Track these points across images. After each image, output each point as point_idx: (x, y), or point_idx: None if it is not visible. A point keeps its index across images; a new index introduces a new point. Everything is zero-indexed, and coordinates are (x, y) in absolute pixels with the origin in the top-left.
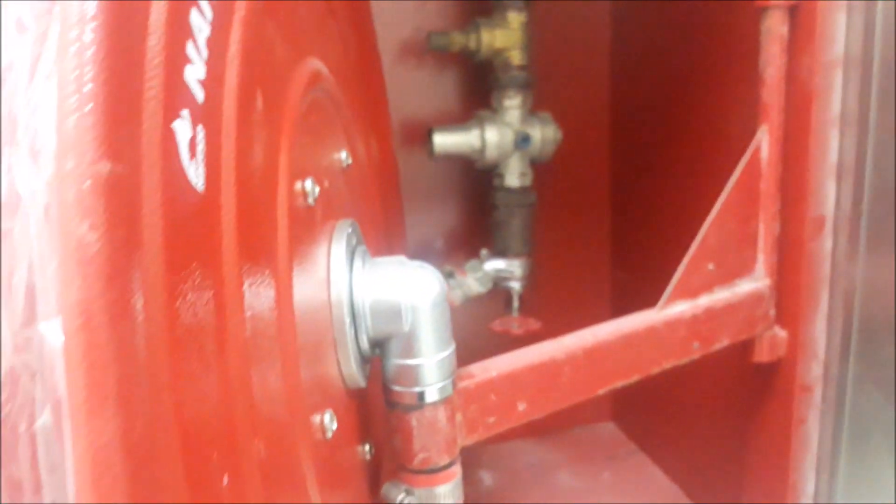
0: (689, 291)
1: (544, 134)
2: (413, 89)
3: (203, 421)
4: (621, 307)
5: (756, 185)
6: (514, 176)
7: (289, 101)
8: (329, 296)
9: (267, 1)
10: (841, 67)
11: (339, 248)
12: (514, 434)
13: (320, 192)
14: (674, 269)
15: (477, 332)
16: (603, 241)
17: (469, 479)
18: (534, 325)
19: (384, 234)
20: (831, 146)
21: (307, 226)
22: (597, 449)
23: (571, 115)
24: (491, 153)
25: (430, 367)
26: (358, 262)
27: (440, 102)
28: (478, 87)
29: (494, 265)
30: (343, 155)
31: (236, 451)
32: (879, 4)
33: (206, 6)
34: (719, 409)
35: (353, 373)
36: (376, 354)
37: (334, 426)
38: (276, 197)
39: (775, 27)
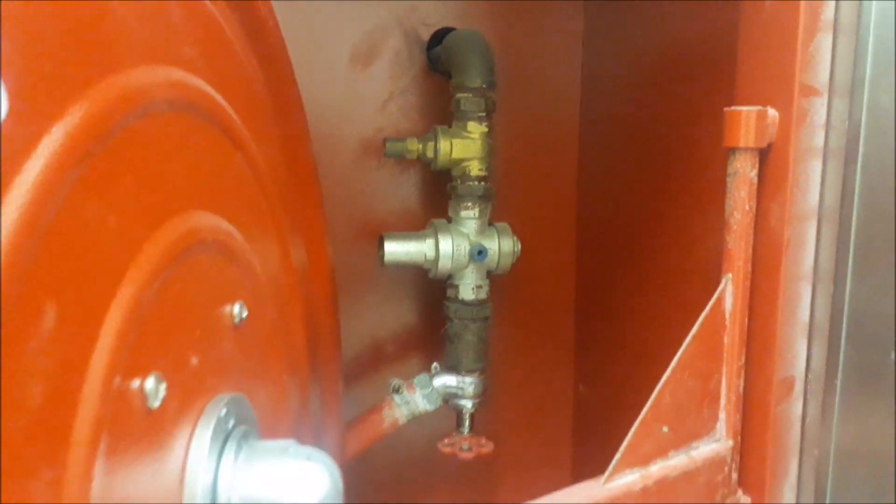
0: (639, 459)
1: (502, 246)
2: (372, 189)
3: None
4: (585, 424)
5: (719, 338)
6: (469, 288)
7: (126, 288)
8: (181, 500)
9: (97, 171)
10: (815, 219)
11: (202, 438)
12: None
13: (179, 378)
14: (641, 387)
15: (424, 452)
16: (565, 355)
17: None
18: (486, 446)
19: (306, 358)
20: (802, 302)
21: (145, 431)
22: None
23: (535, 226)
24: (445, 264)
25: None
26: (230, 452)
27: (399, 204)
28: (440, 190)
29: (445, 381)
30: (236, 308)
31: None
32: (860, 156)
33: None
34: None
35: None
36: None
37: None
38: (73, 415)
39: (743, 170)
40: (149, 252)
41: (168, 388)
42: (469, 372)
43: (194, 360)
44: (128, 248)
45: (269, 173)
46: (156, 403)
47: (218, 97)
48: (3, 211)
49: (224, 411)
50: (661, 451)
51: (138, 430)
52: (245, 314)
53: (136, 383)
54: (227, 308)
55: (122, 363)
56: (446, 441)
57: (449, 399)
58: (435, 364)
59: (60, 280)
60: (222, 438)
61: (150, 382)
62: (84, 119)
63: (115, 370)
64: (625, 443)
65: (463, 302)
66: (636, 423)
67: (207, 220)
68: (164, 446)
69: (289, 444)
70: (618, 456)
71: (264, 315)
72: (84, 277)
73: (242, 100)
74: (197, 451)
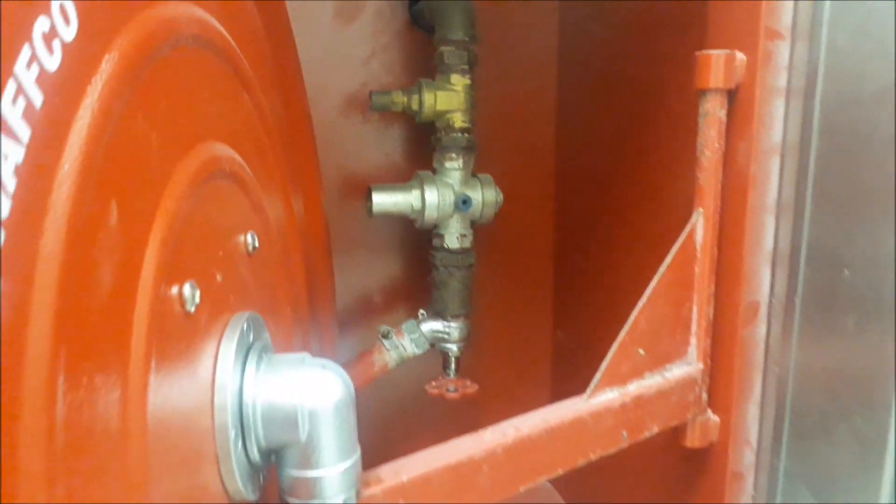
0: (618, 378)
1: (485, 196)
2: (357, 144)
3: None
4: (562, 368)
5: (690, 269)
6: (454, 237)
7: (166, 201)
8: (212, 402)
9: (142, 92)
10: (778, 154)
11: (228, 348)
12: None
13: (208, 290)
14: (616, 330)
15: (412, 394)
16: (544, 302)
17: None
18: (470, 387)
19: (306, 301)
20: (767, 233)
21: (183, 333)
22: None
23: (515, 177)
24: (431, 214)
25: (331, 479)
26: (252, 362)
27: (384, 158)
28: (423, 145)
29: (431, 326)
30: (249, 237)
31: None
32: (818, 94)
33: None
34: (653, 491)
35: (239, 487)
36: (273, 462)
37: None
38: (132, 309)
39: (713, 110)
40: (182, 172)
41: (200, 297)
42: (454, 317)
43: (219, 277)
44: (167, 164)
45: (271, 119)
46: (192, 308)
47: (229, 38)
48: (80, 115)
49: (245, 325)
50: (638, 372)
51: (179, 332)
52: (257, 244)
53: (175, 288)
54: (242, 236)
55: (166, 268)
56: (433, 383)
57: (436, 343)
58: (422, 311)
59: (120, 184)
60: (245, 350)
61: (187, 288)
62: (133, 43)
63: (161, 273)
64: (605, 363)
65: (448, 250)
66: (615, 345)
67: (225, 152)
68: (199, 350)
69: (304, 356)
70: (598, 374)
71: (272, 249)
72: (137, 185)
73: (248, 45)
74: (224, 360)
